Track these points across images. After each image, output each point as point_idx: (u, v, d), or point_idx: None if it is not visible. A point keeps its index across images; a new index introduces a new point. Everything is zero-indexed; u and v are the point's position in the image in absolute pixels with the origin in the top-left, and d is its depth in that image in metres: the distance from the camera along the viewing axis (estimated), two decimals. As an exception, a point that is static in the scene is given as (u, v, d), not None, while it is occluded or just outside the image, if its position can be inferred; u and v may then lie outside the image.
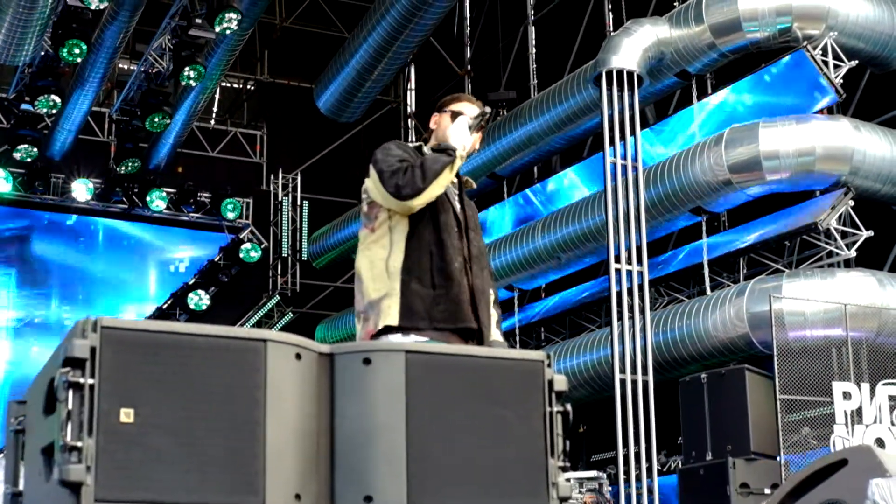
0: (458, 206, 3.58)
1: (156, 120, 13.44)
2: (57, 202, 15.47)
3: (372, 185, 3.46)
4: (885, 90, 11.44)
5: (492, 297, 3.62)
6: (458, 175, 3.64)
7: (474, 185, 3.80)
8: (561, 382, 2.90)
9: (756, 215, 11.43)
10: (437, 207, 3.46)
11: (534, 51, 15.05)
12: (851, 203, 10.42)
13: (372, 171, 3.46)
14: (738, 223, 11.76)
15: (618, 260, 10.41)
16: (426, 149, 3.59)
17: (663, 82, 11.85)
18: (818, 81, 10.41)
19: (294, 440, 2.62)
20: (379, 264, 3.42)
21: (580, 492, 9.51)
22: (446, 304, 3.38)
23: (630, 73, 10.92)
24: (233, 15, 11.86)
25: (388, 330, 3.37)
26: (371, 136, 17.39)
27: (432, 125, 3.67)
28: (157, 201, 15.68)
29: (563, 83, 12.88)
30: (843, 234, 10.54)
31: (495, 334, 3.59)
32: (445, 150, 3.44)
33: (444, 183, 3.41)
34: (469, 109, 3.62)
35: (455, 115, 3.60)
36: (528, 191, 14.34)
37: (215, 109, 17.69)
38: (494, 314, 3.61)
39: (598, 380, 11.81)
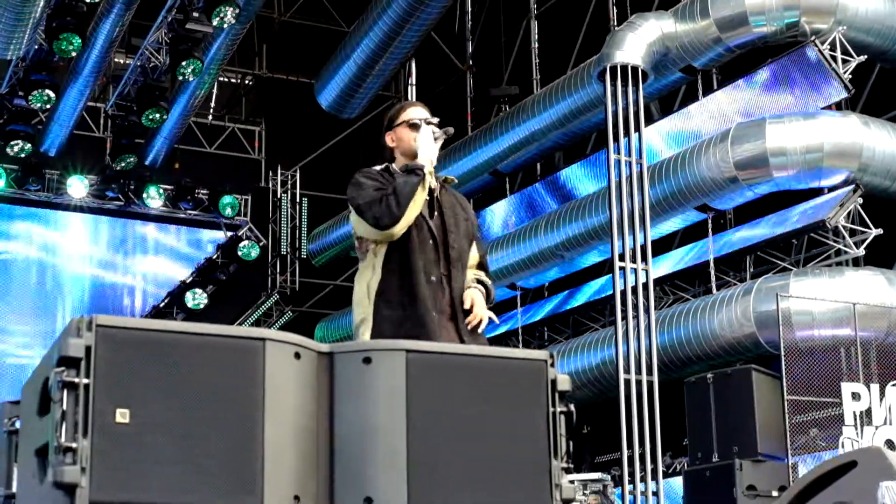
0: (433, 214, 3.64)
1: (152, 115, 13.34)
2: (51, 199, 15.33)
3: (355, 221, 3.62)
4: (895, 86, 11.33)
5: (473, 276, 3.69)
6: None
7: (455, 181, 3.87)
8: (564, 382, 2.89)
9: (763, 213, 11.33)
10: (413, 232, 3.57)
11: (536, 45, 14.96)
12: (860, 200, 10.35)
13: (351, 208, 3.63)
14: (745, 221, 11.65)
15: (622, 258, 10.31)
16: (394, 167, 3.65)
17: (668, 77, 11.76)
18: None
19: (293, 440, 2.60)
20: (363, 289, 3.61)
21: (584, 494, 9.40)
22: (411, 325, 3.47)
23: (634, 69, 10.83)
24: (230, 8, 11.77)
25: None
26: (371, 132, 17.25)
27: (390, 143, 3.73)
28: (154, 198, 15.56)
29: (567, 79, 12.78)
30: (852, 232, 10.46)
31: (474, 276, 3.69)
32: (413, 171, 3.53)
33: (419, 203, 3.53)
34: (419, 113, 3.70)
35: (411, 125, 3.66)
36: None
37: (213, 105, 17.59)
38: (481, 274, 3.71)
39: (602, 380, 11.73)
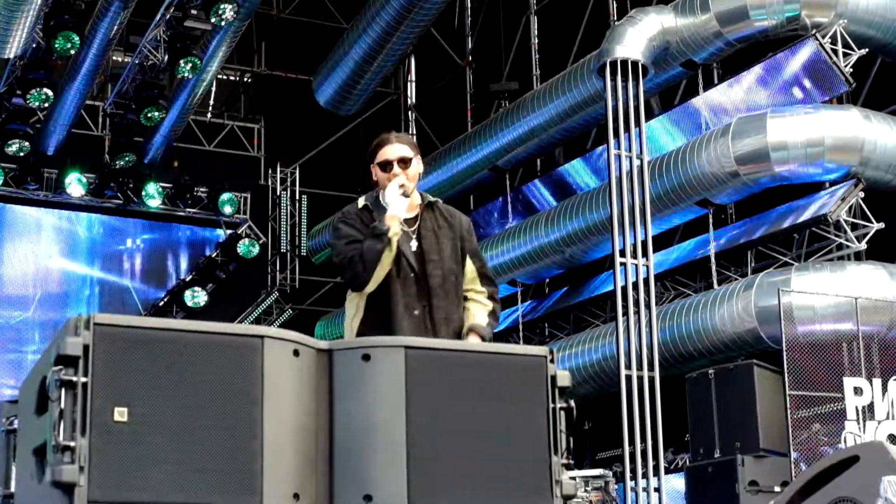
0: (413, 244, 3.67)
1: (151, 113, 13.32)
2: (50, 198, 15.30)
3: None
4: (897, 79, 11.31)
5: (477, 307, 3.72)
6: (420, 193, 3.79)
7: (433, 199, 3.85)
8: (564, 378, 2.89)
9: (764, 207, 11.30)
10: (393, 268, 3.61)
11: (536, 41, 14.93)
12: (862, 194, 10.32)
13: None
14: (746, 215, 11.63)
15: (623, 254, 10.28)
16: (381, 197, 3.67)
17: (669, 72, 11.73)
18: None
19: (292, 438, 2.60)
20: (346, 328, 3.72)
21: (586, 490, 9.40)
22: None
23: (635, 64, 10.80)
24: (229, 6, 11.73)
25: None
26: (371, 129, 17.23)
27: (373, 176, 3.79)
28: (153, 196, 15.53)
29: (566, 74, 12.75)
30: (854, 226, 10.43)
31: (476, 318, 3.72)
32: (378, 235, 3.56)
33: (386, 264, 3.58)
34: (392, 152, 3.69)
35: (383, 165, 3.69)
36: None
37: (212, 102, 17.55)
38: (482, 314, 3.72)
39: (603, 376, 11.71)
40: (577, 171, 13.50)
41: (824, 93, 10.59)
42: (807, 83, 10.64)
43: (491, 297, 3.80)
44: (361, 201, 3.76)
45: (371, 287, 3.59)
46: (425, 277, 3.63)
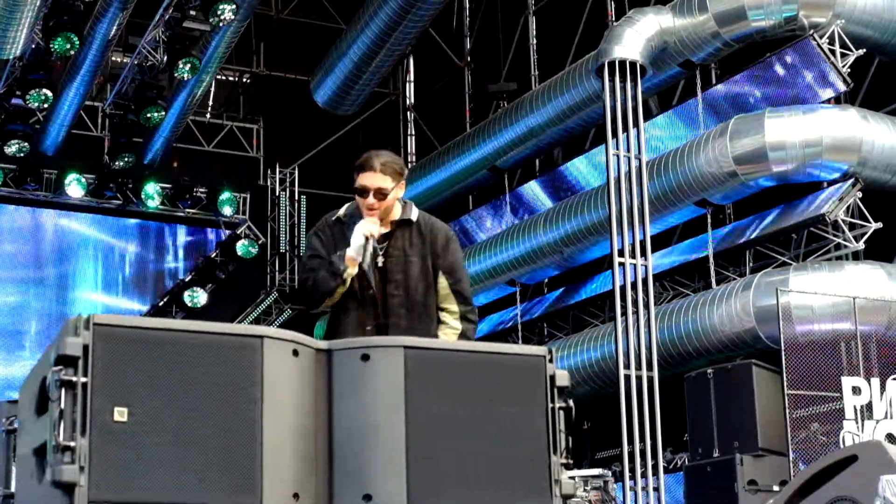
0: (379, 261, 3.64)
1: (150, 114, 13.31)
2: (49, 198, 15.29)
3: None
4: (894, 79, 11.30)
5: (445, 330, 3.69)
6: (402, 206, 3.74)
7: (413, 216, 3.76)
8: (563, 378, 2.89)
9: (762, 207, 11.30)
10: (352, 283, 3.61)
11: (534, 41, 14.94)
12: (859, 194, 10.33)
13: None
14: (744, 215, 11.63)
15: (621, 254, 10.29)
16: (360, 204, 3.63)
17: (667, 72, 11.74)
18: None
19: (292, 438, 2.61)
20: (318, 332, 3.72)
21: (585, 490, 9.41)
22: None
23: (633, 64, 10.81)
24: (228, 6, 11.72)
25: None
26: (370, 129, 17.24)
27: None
28: (153, 196, 15.53)
29: (565, 74, 12.76)
30: (851, 226, 10.44)
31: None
32: (335, 273, 3.57)
33: (338, 296, 3.60)
34: (370, 180, 3.60)
35: (358, 191, 3.65)
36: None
37: (211, 103, 17.54)
38: (451, 337, 3.68)
39: (602, 376, 11.72)
40: (579, 170, 13.47)
41: (822, 93, 10.59)
42: (804, 83, 10.65)
43: (463, 317, 3.73)
44: (341, 211, 3.75)
45: (327, 307, 3.67)
46: (385, 297, 3.61)
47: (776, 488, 8.49)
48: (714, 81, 11.90)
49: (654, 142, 11.95)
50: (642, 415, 9.71)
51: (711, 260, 11.24)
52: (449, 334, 3.70)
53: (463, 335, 3.70)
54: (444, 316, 3.72)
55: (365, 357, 2.70)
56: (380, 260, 3.64)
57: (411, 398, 2.68)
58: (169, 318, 14.31)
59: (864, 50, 10.47)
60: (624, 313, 10.21)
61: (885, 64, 11.32)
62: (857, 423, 8.90)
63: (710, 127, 11.22)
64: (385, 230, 3.68)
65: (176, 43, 12.25)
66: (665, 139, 12.12)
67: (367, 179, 3.61)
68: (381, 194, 3.60)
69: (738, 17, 10.73)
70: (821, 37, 10.29)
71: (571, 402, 2.88)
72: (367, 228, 3.58)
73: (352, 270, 3.59)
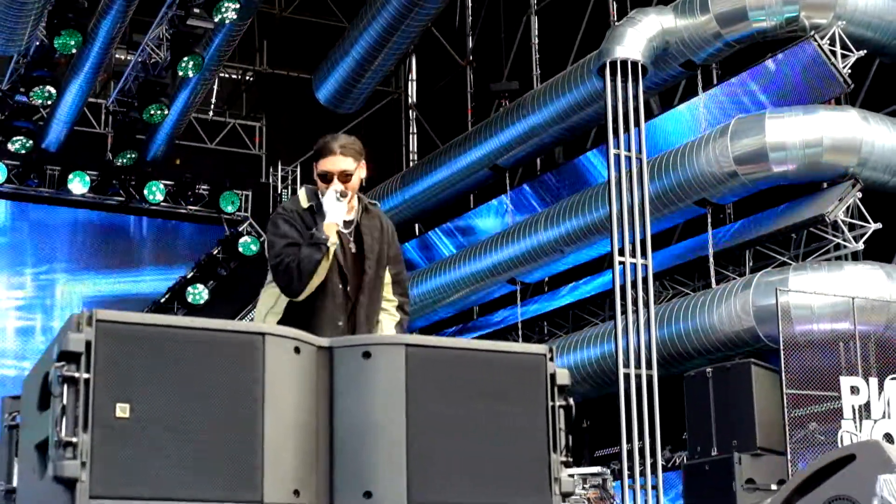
0: (351, 247, 3.61)
1: (153, 111, 13.32)
2: (52, 195, 15.33)
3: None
4: (895, 80, 11.32)
5: (386, 318, 3.68)
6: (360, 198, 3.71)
7: (370, 202, 3.78)
8: (563, 376, 2.90)
9: (762, 207, 11.32)
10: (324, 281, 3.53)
11: (536, 41, 14.94)
12: (859, 195, 10.34)
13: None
14: (745, 215, 11.65)
15: (622, 253, 10.31)
16: (322, 195, 3.57)
17: (668, 72, 11.74)
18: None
19: (293, 435, 2.61)
20: (259, 316, 3.61)
21: (584, 488, 9.41)
22: None
23: (634, 64, 10.82)
24: (231, 4, 11.74)
25: None
26: (372, 128, 17.23)
27: (314, 176, 3.68)
28: (155, 194, 15.56)
29: (567, 74, 12.76)
30: (851, 227, 10.45)
31: (385, 331, 3.66)
32: (317, 244, 3.47)
33: (322, 272, 3.49)
34: (330, 164, 3.57)
35: (322, 175, 3.60)
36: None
37: (213, 100, 17.56)
38: (390, 326, 3.67)
39: (601, 374, 11.73)
40: (593, 164, 13.38)
41: (823, 94, 10.60)
42: (805, 84, 10.67)
43: (400, 308, 3.74)
44: (303, 199, 3.65)
45: (305, 293, 3.50)
46: (357, 283, 3.57)
47: (774, 487, 8.51)
48: (715, 82, 11.91)
49: (656, 139, 11.96)
50: (641, 413, 9.73)
51: (711, 259, 11.25)
52: (390, 321, 3.69)
53: (400, 325, 3.71)
54: (384, 304, 3.72)
55: (366, 354, 2.70)
56: (352, 246, 3.62)
57: (412, 396, 2.68)
58: (171, 315, 14.32)
59: (865, 51, 10.47)
60: (624, 312, 10.22)
61: (885, 65, 11.34)
62: (855, 422, 8.92)
63: (710, 127, 11.23)
64: (350, 216, 3.65)
65: (179, 40, 12.26)
66: (667, 138, 12.13)
67: (329, 164, 3.59)
68: (345, 176, 3.59)
69: (740, 17, 10.74)
70: (822, 38, 10.29)
71: (572, 401, 2.88)
72: (337, 186, 3.55)
73: (334, 239, 3.51)
